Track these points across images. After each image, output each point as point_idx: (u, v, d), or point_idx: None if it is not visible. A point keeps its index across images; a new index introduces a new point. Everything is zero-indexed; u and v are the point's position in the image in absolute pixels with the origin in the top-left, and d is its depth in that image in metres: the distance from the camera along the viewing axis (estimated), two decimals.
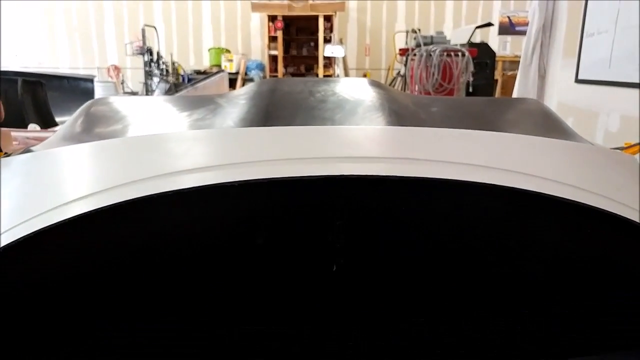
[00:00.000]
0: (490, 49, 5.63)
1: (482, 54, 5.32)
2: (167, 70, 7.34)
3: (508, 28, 7.43)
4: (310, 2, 7.89)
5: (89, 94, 5.21)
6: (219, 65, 8.32)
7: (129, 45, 7.48)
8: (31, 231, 0.50)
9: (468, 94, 5.01)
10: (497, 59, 6.04)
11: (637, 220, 0.57)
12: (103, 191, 0.55)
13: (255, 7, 8.09)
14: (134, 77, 8.45)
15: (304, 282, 0.58)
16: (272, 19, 8.07)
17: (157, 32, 7.27)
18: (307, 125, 1.09)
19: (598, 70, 2.72)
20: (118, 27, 8.78)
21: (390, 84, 6.58)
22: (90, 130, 1.15)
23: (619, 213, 0.57)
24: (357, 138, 0.77)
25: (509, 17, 7.44)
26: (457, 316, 0.59)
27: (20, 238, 0.50)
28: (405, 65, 5.61)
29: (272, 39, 8.23)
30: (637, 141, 1.50)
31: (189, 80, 7.23)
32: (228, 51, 8.54)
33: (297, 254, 0.58)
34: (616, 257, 0.59)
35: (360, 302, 0.59)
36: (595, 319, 0.59)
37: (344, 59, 7.41)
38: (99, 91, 5.95)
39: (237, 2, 8.72)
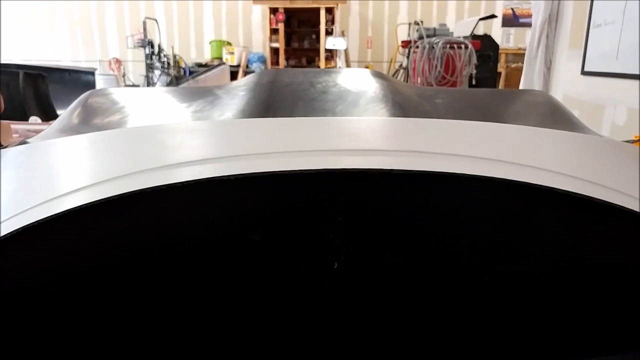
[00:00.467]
0: (494, 41, 5.58)
1: (485, 46, 5.28)
2: (168, 63, 7.31)
3: (512, 20, 7.37)
4: None
5: (90, 86, 5.20)
6: (221, 58, 8.28)
7: (130, 38, 7.45)
8: (16, 227, 0.48)
9: (471, 86, 4.98)
10: (500, 51, 5.99)
11: None
12: (94, 185, 0.53)
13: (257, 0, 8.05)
14: (136, 69, 8.42)
15: (303, 282, 0.56)
16: (274, 11, 8.02)
17: (158, 24, 7.24)
18: (308, 116, 1.07)
19: (605, 62, 2.68)
20: (119, 20, 8.74)
21: (392, 77, 6.53)
22: (88, 121, 1.14)
23: (635, 209, 0.55)
24: (358, 130, 0.74)
25: (512, 9, 7.38)
26: (466, 319, 0.57)
27: (7, 234, 0.48)
28: (408, 57, 5.57)
29: (274, 31, 8.19)
30: None
31: (190, 73, 7.20)
32: (229, 44, 8.50)
33: (295, 251, 0.55)
34: (632, 254, 0.57)
35: (362, 306, 0.56)
36: (611, 318, 0.57)
37: (346, 51, 7.37)
38: (100, 84, 5.94)
39: None
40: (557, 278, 0.57)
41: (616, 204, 0.55)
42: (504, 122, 0.91)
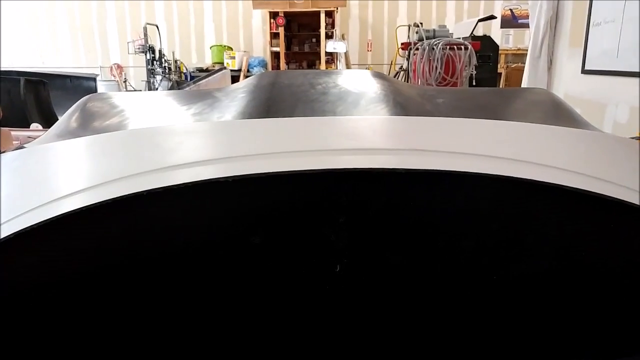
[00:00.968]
0: (493, 41, 5.58)
1: (485, 47, 5.28)
2: (169, 68, 7.33)
3: (510, 21, 7.37)
4: None
5: (91, 92, 5.20)
6: (222, 63, 8.30)
7: (131, 44, 7.47)
8: (9, 233, 0.47)
9: (471, 87, 4.97)
10: (500, 52, 5.99)
11: None
12: (88, 189, 0.52)
13: (257, 4, 8.06)
14: (137, 75, 8.44)
15: (304, 285, 0.54)
16: (274, 15, 8.04)
17: (159, 30, 7.26)
18: (308, 117, 1.06)
19: (605, 60, 2.67)
20: (120, 26, 8.77)
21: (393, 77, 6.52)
22: (86, 126, 1.13)
23: None
24: (359, 129, 0.73)
25: (511, 10, 7.38)
26: (476, 321, 0.56)
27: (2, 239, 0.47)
28: (408, 59, 5.56)
29: (274, 35, 8.20)
30: None
31: (192, 77, 7.21)
32: (230, 48, 8.51)
33: (296, 254, 0.54)
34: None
35: (366, 311, 0.55)
36: (624, 317, 0.56)
37: (346, 54, 7.37)
38: (101, 90, 5.96)
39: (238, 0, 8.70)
40: (567, 276, 0.56)
41: (627, 201, 0.53)
42: (507, 121, 0.89)
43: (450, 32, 5.76)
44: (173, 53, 7.92)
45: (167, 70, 7.28)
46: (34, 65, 7.95)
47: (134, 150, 0.66)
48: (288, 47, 8.49)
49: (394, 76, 6.60)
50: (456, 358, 0.57)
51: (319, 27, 8.02)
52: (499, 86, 6.28)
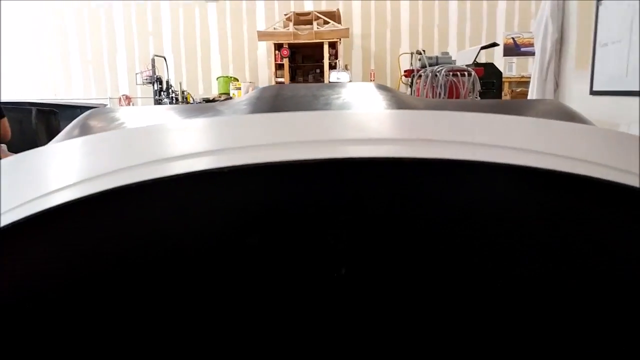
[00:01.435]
0: (497, 68, 5.64)
1: (489, 74, 5.32)
2: (176, 99, 7.44)
3: (513, 49, 7.49)
4: (315, 30, 8.03)
5: None
6: (228, 94, 8.42)
7: (139, 75, 7.61)
8: None
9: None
10: (503, 79, 6.04)
11: None
12: (72, 185, 0.48)
13: (262, 36, 8.24)
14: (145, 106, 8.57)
15: (301, 292, 0.50)
16: (279, 47, 8.20)
17: (166, 61, 7.41)
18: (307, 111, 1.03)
19: (614, 80, 2.70)
20: (129, 58, 8.97)
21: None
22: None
23: None
24: (362, 121, 0.66)
25: (513, 39, 7.52)
26: (494, 330, 0.51)
27: None
28: (411, 86, 5.61)
29: (279, 66, 8.35)
30: None
31: None
32: (236, 79, 8.66)
33: (294, 256, 0.49)
34: None
35: (370, 321, 0.50)
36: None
37: None
38: None
39: (244, 32, 8.90)
40: (587, 277, 0.50)
41: None
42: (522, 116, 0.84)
43: (453, 59, 5.84)
44: (180, 84, 8.06)
45: (174, 101, 7.38)
46: (46, 97, 8.11)
47: (125, 146, 0.61)
48: (293, 77, 8.62)
49: None
50: None
51: (322, 58, 8.17)
52: None
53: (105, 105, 6.06)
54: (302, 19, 8.27)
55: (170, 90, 7.28)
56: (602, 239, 0.51)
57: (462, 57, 6.05)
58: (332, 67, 8.07)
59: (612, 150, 0.65)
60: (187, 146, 0.58)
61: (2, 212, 0.47)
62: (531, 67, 4.26)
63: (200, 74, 9.02)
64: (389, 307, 0.50)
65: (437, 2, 8.66)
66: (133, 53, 8.97)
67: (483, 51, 5.98)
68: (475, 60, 5.53)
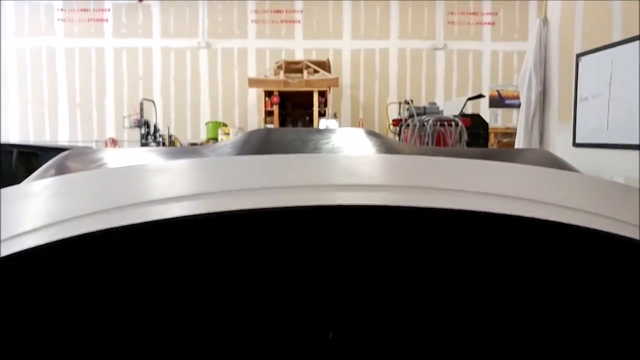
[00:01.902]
0: (483, 119, 5.74)
1: (475, 125, 5.41)
2: (163, 143, 7.43)
3: (498, 101, 7.66)
4: (305, 78, 8.18)
5: None
6: (216, 139, 8.44)
7: (126, 119, 7.63)
8: None
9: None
10: (489, 130, 6.14)
11: None
12: (37, 229, 0.45)
13: (253, 83, 8.37)
14: None
15: (288, 345, 0.45)
16: (269, 94, 8.32)
17: (155, 105, 7.45)
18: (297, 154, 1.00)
19: (595, 133, 2.72)
20: (118, 101, 9.02)
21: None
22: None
23: None
24: (355, 166, 0.65)
25: (498, 91, 7.70)
26: None
27: None
28: (399, 135, 5.67)
29: (269, 113, 8.44)
30: None
31: None
32: (225, 125, 8.71)
33: (281, 312, 0.45)
34: None
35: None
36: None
37: None
38: None
39: (234, 78, 9.04)
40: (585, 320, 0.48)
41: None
42: (514, 163, 0.84)
43: (440, 109, 5.94)
44: (168, 128, 8.08)
45: (161, 145, 7.37)
46: (31, 140, 8.07)
47: (100, 187, 0.59)
48: (282, 124, 8.70)
49: None
50: None
51: (312, 105, 8.29)
52: None
53: (91, 148, 6.02)
54: (292, 67, 8.44)
55: (157, 134, 7.27)
56: (597, 288, 0.49)
57: (449, 107, 6.16)
58: (322, 114, 8.17)
59: (607, 198, 0.65)
60: (161, 190, 0.55)
61: None
62: (515, 119, 4.33)
63: (189, 118, 9.07)
64: (382, 355, 0.46)
65: (425, 53, 8.93)
66: (122, 96, 9.03)
67: (469, 102, 6.10)
68: (462, 111, 5.63)
